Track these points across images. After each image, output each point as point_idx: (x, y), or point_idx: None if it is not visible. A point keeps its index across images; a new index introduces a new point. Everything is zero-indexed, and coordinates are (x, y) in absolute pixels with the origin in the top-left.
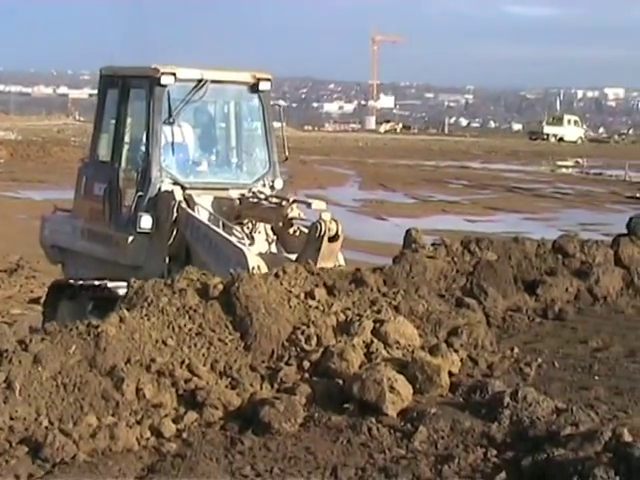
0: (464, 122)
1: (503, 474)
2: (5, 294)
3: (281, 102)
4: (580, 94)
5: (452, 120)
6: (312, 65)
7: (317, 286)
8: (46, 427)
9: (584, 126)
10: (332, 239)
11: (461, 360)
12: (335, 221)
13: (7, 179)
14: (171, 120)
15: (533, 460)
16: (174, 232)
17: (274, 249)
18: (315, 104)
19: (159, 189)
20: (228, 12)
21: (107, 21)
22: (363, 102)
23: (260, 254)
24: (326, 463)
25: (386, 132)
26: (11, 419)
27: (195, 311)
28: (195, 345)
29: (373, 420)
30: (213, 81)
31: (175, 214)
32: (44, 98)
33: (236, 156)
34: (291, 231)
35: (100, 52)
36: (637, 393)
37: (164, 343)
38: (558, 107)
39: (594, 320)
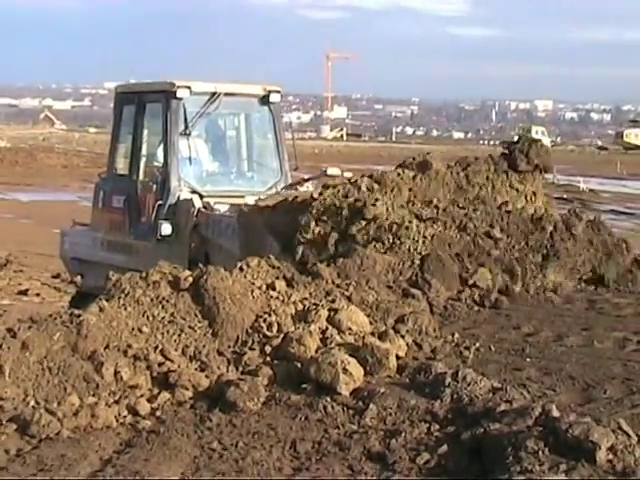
0: (410, 131)
1: (445, 447)
2: None
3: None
4: (513, 106)
5: (399, 129)
6: (273, 78)
7: (277, 278)
8: (33, 406)
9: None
10: None
11: (407, 345)
12: None
13: None
14: (187, 131)
15: (472, 434)
16: (194, 238)
17: None
18: None
19: (178, 198)
20: (199, 30)
21: (88, 39)
22: (319, 113)
23: None
24: (286, 438)
25: (334, 138)
26: (1, 399)
27: (167, 301)
28: (168, 332)
29: (328, 399)
30: (226, 94)
31: (194, 220)
32: (30, 109)
33: (249, 165)
34: None
35: (81, 67)
36: (564, 373)
37: (139, 330)
38: (494, 117)
39: (526, 308)
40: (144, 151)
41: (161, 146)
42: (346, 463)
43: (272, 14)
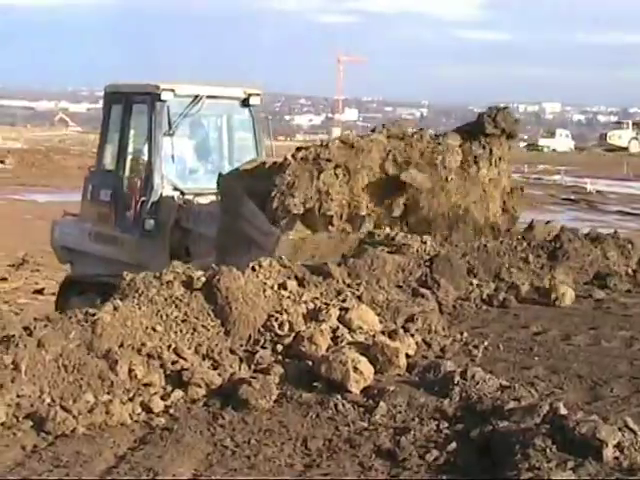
0: None
1: (454, 444)
2: (12, 286)
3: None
4: (522, 108)
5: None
6: (285, 82)
7: (289, 278)
8: (49, 404)
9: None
10: None
11: (416, 343)
12: None
13: (14, 184)
14: (170, 132)
15: (480, 431)
16: (175, 233)
17: None
18: (287, 117)
19: (161, 194)
20: (213, 33)
21: (102, 43)
22: (330, 115)
23: None
24: (297, 435)
25: None
26: (18, 397)
27: (181, 301)
28: (181, 331)
29: (339, 397)
30: (208, 96)
31: (176, 215)
32: (47, 112)
33: (229, 164)
34: None
35: (96, 70)
36: (571, 372)
37: (153, 329)
38: None
39: (534, 308)
40: (130, 149)
41: (146, 145)
42: (356, 460)
43: (284, 18)
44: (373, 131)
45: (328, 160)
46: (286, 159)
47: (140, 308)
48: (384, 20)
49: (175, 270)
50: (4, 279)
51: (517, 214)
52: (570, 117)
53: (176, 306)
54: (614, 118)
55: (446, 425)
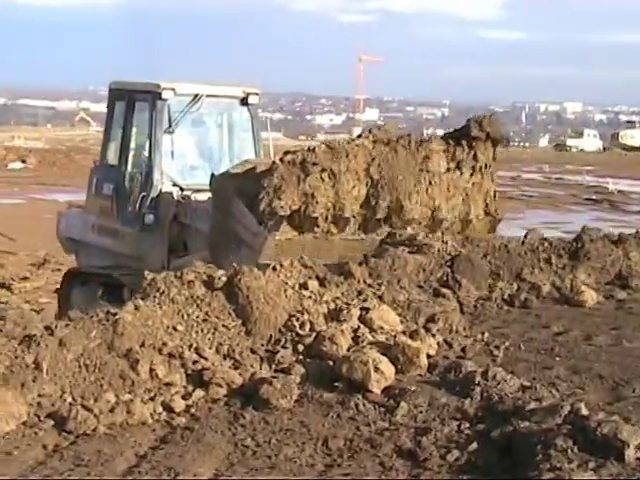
0: (440, 133)
1: (475, 444)
2: (34, 285)
3: (268, 114)
4: (543, 108)
5: (430, 131)
6: (306, 82)
7: (310, 278)
8: (70, 403)
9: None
10: None
11: (438, 343)
12: None
13: (35, 183)
14: (171, 130)
15: (501, 432)
16: (173, 227)
17: None
18: (308, 116)
19: (160, 190)
20: (233, 32)
21: (123, 43)
22: (351, 115)
23: None
24: (318, 435)
25: None
26: (39, 396)
27: (202, 300)
28: (202, 331)
29: (360, 397)
30: (208, 95)
31: (174, 211)
32: (68, 111)
33: (228, 161)
34: None
35: (117, 70)
36: (593, 372)
37: (174, 329)
38: (524, 119)
39: (555, 308)
40: (132, 145)
41: (147, 141)
42: (377, 460)
43: (305, 18)
44: (360, 136)
45: (314, 164)
46: (274, 162)
47: (161, 308)
48: (405, 19)
49: (196, 270)
50: (26, 278)
51: (499, 217)
52: (592, 117)
53: (197, 306)
54: (636, 118)
55: (467, 425)
